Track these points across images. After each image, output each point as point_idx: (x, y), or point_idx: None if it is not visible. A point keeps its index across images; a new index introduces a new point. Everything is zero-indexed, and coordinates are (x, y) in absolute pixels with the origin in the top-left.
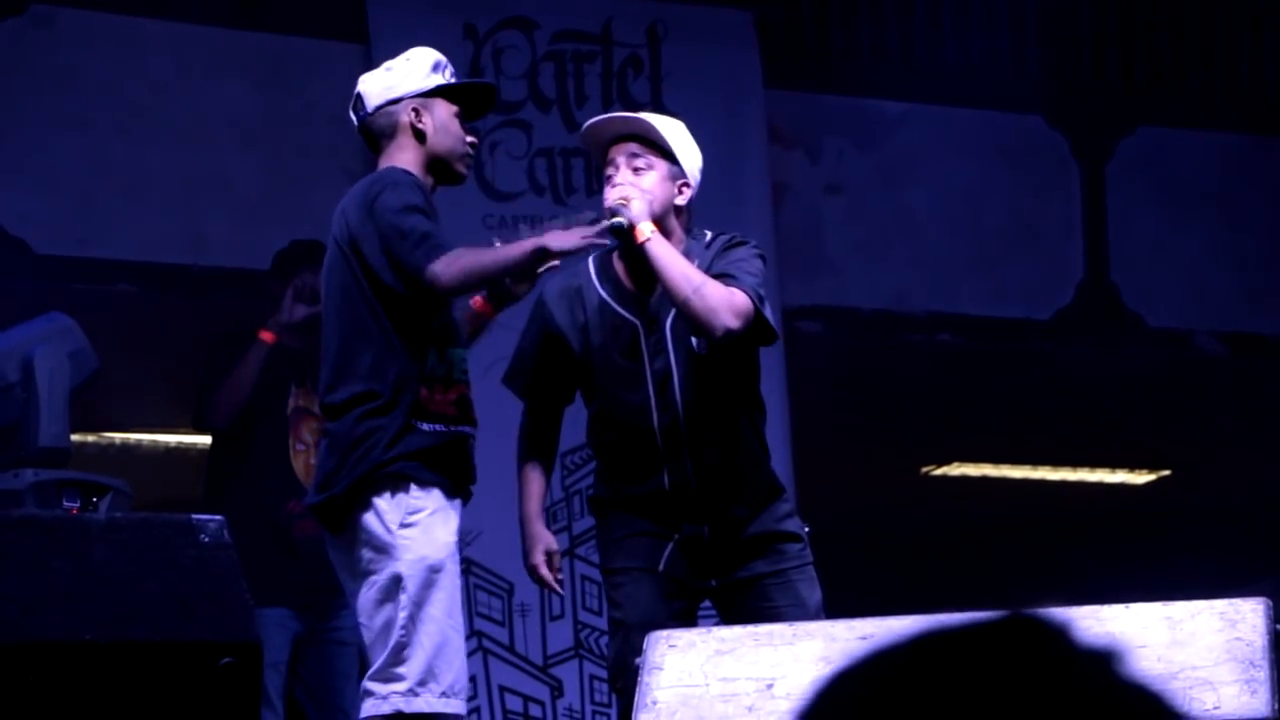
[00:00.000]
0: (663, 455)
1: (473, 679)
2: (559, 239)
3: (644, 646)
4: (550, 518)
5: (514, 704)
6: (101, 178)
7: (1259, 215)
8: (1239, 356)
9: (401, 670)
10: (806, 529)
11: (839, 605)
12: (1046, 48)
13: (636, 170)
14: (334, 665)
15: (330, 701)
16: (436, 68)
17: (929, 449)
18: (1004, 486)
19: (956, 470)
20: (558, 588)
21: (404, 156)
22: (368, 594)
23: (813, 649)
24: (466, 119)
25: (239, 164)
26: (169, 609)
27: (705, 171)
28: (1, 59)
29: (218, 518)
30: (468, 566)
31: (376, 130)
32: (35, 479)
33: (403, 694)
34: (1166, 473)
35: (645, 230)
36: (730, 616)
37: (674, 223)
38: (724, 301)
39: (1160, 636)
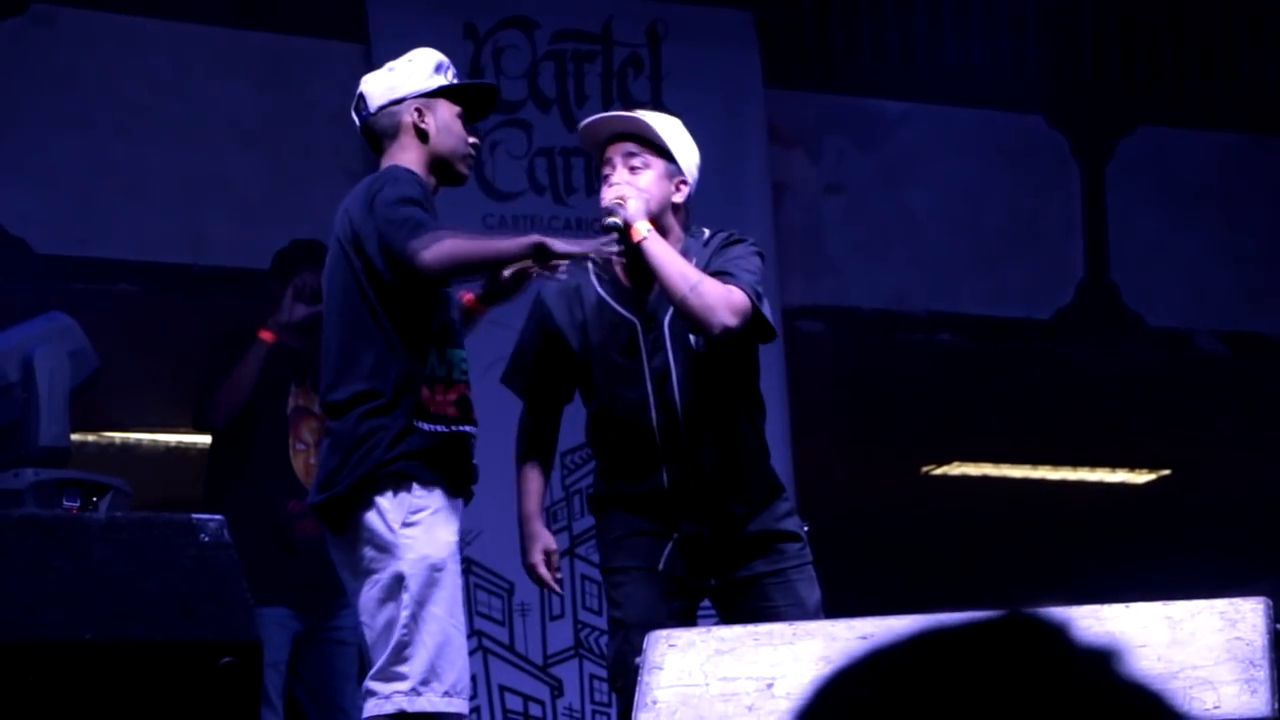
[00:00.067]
0: (662, 454)
1: (473, 678)
2: (561, 241)
3: (644, 646)
4: (550, 517)
5: (514, 703)
6: (101, 177)
7: (1259, 215)
8: (1239, 356)
9: (404, 669)
10: (806, 528)
11: (839, 605)
12: (1047, 48)
13: (633, 169)
14: (334, 665)
15: (330, 701)
16: (439, 68)
17: (929, 449)
18: (1004, 486)
19: (956, 470)
20: (556, 587)
21: (406, 156)
22: (370, 593)
23: (813, 648)
24: (469, 120)
25: (239, 164)
26: (169, 609)
27: (705, 171)
28: (1, 59)
29: (218, 517)
30: (468, 566)
31: (379, 130)
32: (35, 478)
33: (405, 693)
34: (1166, 473)
35: (642, 229)
36: (730, 616)
37: (672, 221)
38: (721, 299)
39: (1160, 636)
